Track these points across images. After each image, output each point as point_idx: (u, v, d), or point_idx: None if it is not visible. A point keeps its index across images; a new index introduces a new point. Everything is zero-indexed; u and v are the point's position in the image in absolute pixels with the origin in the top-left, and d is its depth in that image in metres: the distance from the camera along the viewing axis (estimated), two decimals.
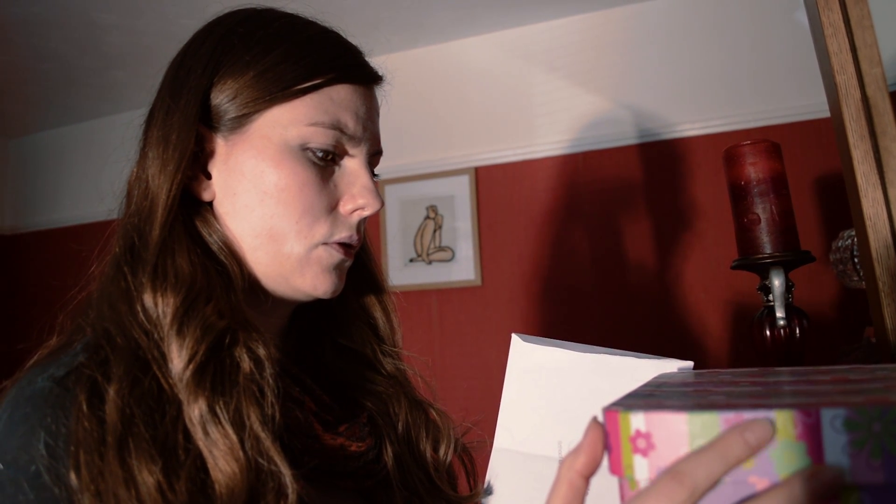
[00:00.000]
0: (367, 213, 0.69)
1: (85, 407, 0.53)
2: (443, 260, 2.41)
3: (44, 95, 2.77)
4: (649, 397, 0.46)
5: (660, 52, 2.23)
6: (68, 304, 0.68)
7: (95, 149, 3.01)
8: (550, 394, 0.67)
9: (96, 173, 2.98)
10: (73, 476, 0.50)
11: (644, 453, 0.39)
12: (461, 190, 2.41)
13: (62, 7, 2.08)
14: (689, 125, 2.16)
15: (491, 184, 2.39)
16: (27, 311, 3.01)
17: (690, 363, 0.67)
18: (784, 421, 0.36)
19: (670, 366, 0.67)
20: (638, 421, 0.39)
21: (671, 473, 0.37)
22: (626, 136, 2.23)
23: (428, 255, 2.44)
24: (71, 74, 2.57)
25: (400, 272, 2.45)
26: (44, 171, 3.13)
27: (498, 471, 0.70)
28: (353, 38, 0.73)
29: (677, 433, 0.38)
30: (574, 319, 2.22)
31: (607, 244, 2.22)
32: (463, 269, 2.38)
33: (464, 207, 2.40)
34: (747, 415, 0.36)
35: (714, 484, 0.37)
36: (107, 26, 2.22)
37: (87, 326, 0.62)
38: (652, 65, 2.24)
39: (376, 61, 0.74)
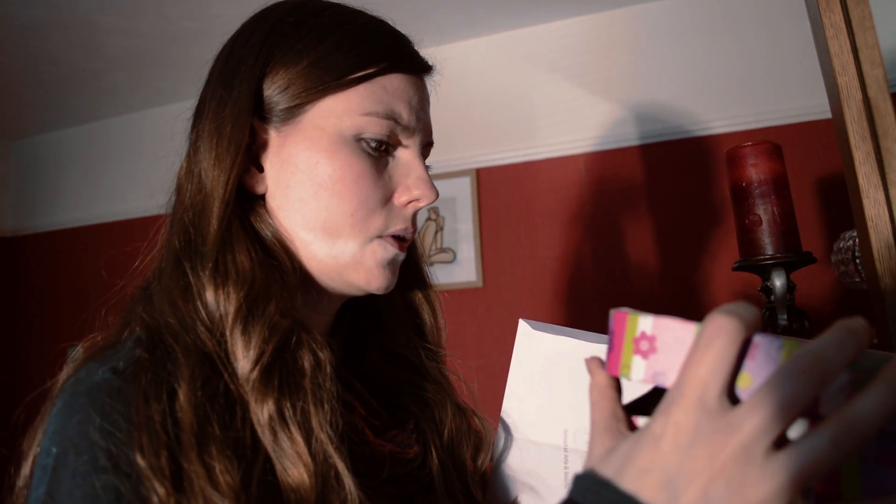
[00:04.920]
0: (422, 204, 0.68)
1: (151, 399, 0.51)
2: (444, 262, 2.41)
3: (45, 98, 2.78)
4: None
5: (661, 53, 2.23)
6: (110, 300, 0.67)
7: (96, 151, 3.01)
8: (557, 382, 0.66)
9: (97, 175, 2.98)
10: (139, 458, 0.48)
11: (644, 355, 0.40)
12: (463, 191, 2.41)
13: (63, 9, 2.08)
14: (689, 126, 2.16)
15: (492, 185, 2.39)
16: (28, 312, 3.02)
17: None
18: (790, 350, 0.36)
19: None
20: (646, 324, 0.40)
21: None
22: (627, 137, 2.23)
23: (429, 256, 2.44)
24: (72, 77, 2.57)
25: None
26: (45, 174, 3.13)
27: (502, 457, 0.70)
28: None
29: (681, 342, 0.39)
30: (576, 321, 2.22)
31: (609, 246, 2.22)
32: (464, 270, 2.38)
33: (465, 209, 2.40)
34: (756, 338, 0.37)
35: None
36: (107, 29, 2.22)
37: (137, 321, 0.61)
38: (653, 66, 2.24)
39: None
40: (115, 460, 0.49)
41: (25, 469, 0.55)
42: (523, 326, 0.69)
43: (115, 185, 2.94)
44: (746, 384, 0.37)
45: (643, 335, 0.40)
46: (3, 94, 2.71)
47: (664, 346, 0.39)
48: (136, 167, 2.87)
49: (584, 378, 0.68)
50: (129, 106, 2.87)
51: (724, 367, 0.36)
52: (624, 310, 0.42)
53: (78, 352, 0.62)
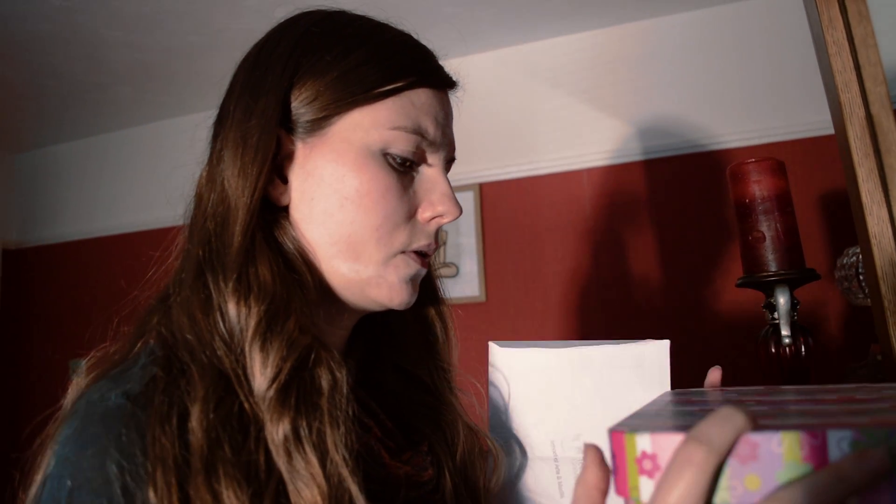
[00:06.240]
0: (446, 220, 0.66)
1: (165, 425, 0.50)
2: (447, 276, 2.41)
3: (50, 111, 2.79)
4: (656, 417, 0.46)
5: (664, 69, 2.24)
6: (122, 310, 0.65)
7: (99, 163, 3.02)
8: (535, 395, 0.67)
9: (101, 188, 2.99)
10: (151, 495, 0.47)
11: (650, 475, 0.39)
12: (466, 206, 2.41)
13: (69, 24, 2.10)
14: (693, 142, 2.16)
15: (496, 200, 2.39)
16: (31, 324, 3.02)
17: (666, 342, 0.66)
18: (790, 442, 0.36)
19: (647, 348, 0.67)
20: (644, 442, 0.39)
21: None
22: (630, 152, 2.23)
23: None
24: (77, 90, 2.59)
25: None
26: (50, 186, 3.14)
27: (503, 478, 0.69)
28: None
29: None
30: (579, 335, 2.21)
31: (612, 261, 2.22)
32: (467, 285, 2.38)
33: (468, 224, 2.40)
34: (754, 437, 0.36)
35: None
36: (113, 43, 2.23)
37: (152, 333, 0.59)
38: (656, 82, 2.25)
39: None
40: (130, 497, 0.48)
41: (33, 490, 0.54)
42: (493, 348, 0.70)
43: (118, 198, 2.95)
44: (755, 487, 0.36)
45: (644, 454, 0.39)
46: (8, 107, 2.72)
47: (667, 463, 0.39)
48: (139, 180, 2.88)
49: (561, 387, 0.68)
50: (133, 119, 2.89)
51: (695, 495, 0.36)
52: (619, 428, 0.41)
53: (81, 365, 0.61)
